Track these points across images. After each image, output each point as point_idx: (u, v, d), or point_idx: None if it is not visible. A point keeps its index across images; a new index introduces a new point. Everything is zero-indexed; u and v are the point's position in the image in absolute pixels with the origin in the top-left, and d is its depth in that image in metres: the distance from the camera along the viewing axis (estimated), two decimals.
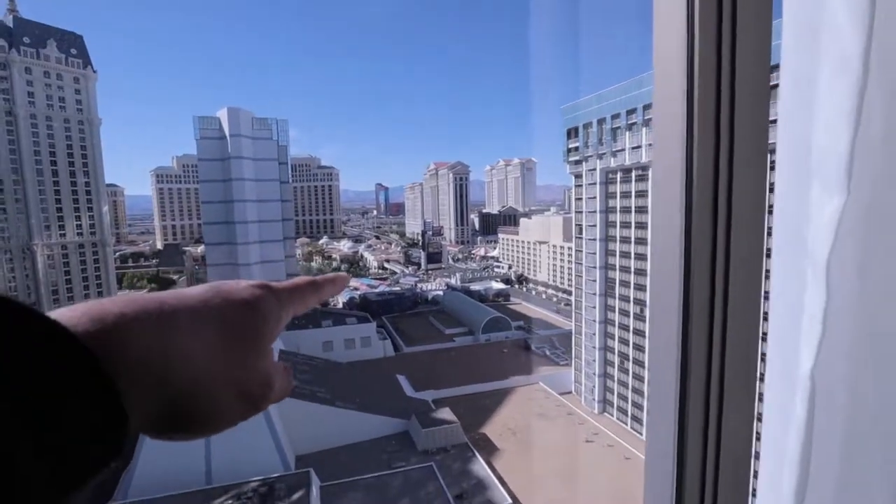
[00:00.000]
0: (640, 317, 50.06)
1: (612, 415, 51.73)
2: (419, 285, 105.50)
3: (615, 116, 52.58)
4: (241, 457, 32.37)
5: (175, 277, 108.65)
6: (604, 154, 54.25)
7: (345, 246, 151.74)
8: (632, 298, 51.13)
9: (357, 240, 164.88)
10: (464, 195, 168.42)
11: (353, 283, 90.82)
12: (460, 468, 36.92)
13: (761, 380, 0.94)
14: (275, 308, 0.53)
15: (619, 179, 53.14)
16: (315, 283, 0.62)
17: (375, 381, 51.51)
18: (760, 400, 0.97)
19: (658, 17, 1.14)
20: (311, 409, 40.78)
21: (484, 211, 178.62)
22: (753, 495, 0.96)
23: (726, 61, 1.06)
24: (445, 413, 43.28)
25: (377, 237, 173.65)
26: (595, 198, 55.50)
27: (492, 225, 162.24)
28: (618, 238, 53.15)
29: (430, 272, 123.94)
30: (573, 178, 59.53)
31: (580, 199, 58.42)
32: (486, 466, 37.07)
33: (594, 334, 55.60)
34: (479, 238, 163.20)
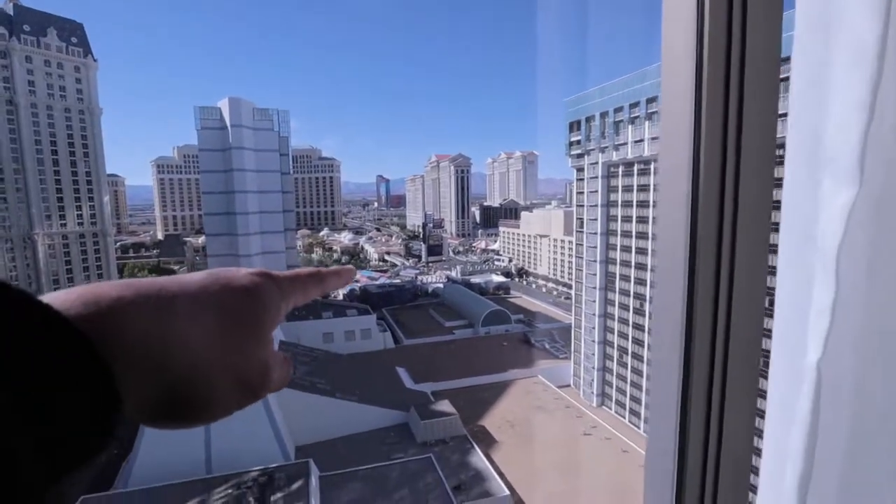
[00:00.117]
0: (639, 311, 50.15)
1: (609, 408, 52.01)
2: (419, 278, 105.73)
3: (618, 110, 52.36)
4: (240, 447, 32.60)
5: (176, 268, 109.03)
6: (606, 147, 54.09)
7: (345, 238, 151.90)
8: (632, 293, 51.21)
9: (358, 232, 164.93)
10: (465, 188, 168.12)
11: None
12: (459, 460, 37.18)
13: (765, 377, 0.93)
14: (275, 297, 0.52)
15: (620, 173, 53.00)
16: (318, 275, 0.62)
17: (375, 373, 51.76)
18: (763, 397, 0.96)
19: (667, 9, 1.13)
20: (311, 400, 41.02)
21: (485, 204, 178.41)
22: (754, 492, 0.94)
23: (736, 54, 1.05)
24: (444, 405, 43.55)
25: (378, 229, 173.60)
26: (597, 191, 55.43)
27: (493, 218, 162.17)
28: (619, 232, 53.12)
29: (430, 265, 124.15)
30: (575, 171, 59.44)
31: (582, 192, 58.36)
32: (484, 458, 37.32)
33: (593, 328, 55.77)
34: (479, 231, 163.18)
